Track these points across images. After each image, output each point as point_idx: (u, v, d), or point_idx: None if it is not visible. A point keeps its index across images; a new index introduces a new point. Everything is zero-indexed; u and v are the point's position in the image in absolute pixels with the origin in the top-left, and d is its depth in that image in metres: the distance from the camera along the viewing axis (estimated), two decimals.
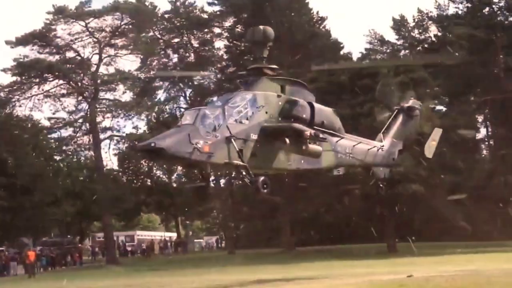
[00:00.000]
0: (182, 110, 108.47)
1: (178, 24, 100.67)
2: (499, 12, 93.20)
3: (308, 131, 30.86)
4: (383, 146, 36.85)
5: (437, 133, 39.95)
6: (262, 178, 29.65)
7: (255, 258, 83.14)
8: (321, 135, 31.82)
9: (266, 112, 30.58)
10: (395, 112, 38.13)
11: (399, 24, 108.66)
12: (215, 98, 31.32)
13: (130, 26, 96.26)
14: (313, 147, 31.21)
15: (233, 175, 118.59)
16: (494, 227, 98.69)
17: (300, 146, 31.00)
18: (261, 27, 31.86)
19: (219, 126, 28.33)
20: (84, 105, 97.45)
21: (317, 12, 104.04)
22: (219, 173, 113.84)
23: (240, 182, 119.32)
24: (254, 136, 29.57)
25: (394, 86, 34.96)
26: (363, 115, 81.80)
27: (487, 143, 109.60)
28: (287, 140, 30.38)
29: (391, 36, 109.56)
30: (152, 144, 27.52)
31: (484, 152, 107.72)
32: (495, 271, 40.03)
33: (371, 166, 36.26)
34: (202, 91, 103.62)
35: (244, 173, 29.87)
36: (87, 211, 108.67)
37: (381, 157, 37.34)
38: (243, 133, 29.24)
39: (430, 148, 39.86)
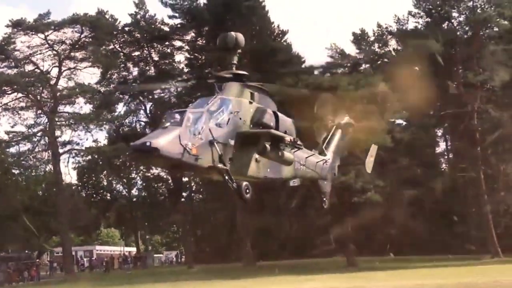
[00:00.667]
0: (142, 123, 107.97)
1: (138, 37, 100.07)
2: (458, 27, 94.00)
3: (288, 137, 30.90)
4: (328, 159, 36.86)
5: (374, 149, 39.97)
6: (244, 183, 29.47)
7: (215, 273, 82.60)
8: (298, 143, 31.90)
9: (240, 118, 30.45)
10: (333, 128, 38.11)
11: (360, 38, 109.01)
12: (198, 100, 30.32)
13: (90, 39, 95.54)
14: (288, 154, 31.16)
15: (193, 190, 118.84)
16: (452, 241, 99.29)
17: (276, 153, 30.94)
18: (232, 33, 31.67)
19: (203, 129, 28.10)
20: (43, 119, 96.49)
21: (278, 26, 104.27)
22: (196, 179, 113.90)
23: (200, 196, 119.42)
24: (231, 142, 29.37)
25: (332, 102, 34.72)
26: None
27: (446, 157, 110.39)
28: (267, 146, 30.30)
29: (352, 50, 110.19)
30: (148, 143, 27.07)
31: (444, 165, 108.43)
32: (454, 285, 40.05)
33: (319, 179, 36.16)
34: (163, 104, 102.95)
35: (226, 177, 29.60)
36: (46, 225, 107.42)
37: (327, 171, 37.40)
38: (223, 138, 29.05)
39: (368, 163, 39.89)
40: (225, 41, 31.38)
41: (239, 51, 31.14)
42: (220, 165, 28.76)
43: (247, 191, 29.46)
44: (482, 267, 69.94)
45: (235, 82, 31.07)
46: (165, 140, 26.92)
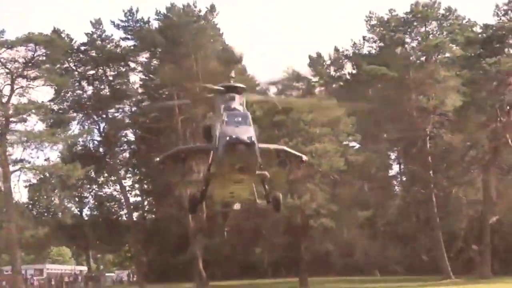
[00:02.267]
0: (96, 142, 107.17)
1: (94, 56, 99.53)
2: (411, 52, 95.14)
3: (305, 157, 30.72)
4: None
5: None
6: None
7: None
8: None
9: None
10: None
11: (315, 62, 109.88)
12: (229, 105, 29.53)
13: (44, 58, 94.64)
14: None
15: (146, 209, 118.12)
16: (406, 262, 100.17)
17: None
18: (230, 46, 31.98)
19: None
20: None
21: (233, 47, 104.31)
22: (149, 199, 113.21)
23: (153, 216, 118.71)
24: None
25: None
26: None
27: (399, 179, 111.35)
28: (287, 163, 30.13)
29: (307, 72, 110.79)
30: (249, 137, 26.79)
31: (396, 188, 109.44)
32: None
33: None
34: (116, 124, 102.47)
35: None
36: None
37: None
38: None
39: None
40: (223, 54, 31.57)
41: (238, 63, 31.17)
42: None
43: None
44: None
45: (238, 95, 31.04)
46: (255, 138, 26.80)
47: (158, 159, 29.82)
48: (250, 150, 26.71)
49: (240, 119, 28.16)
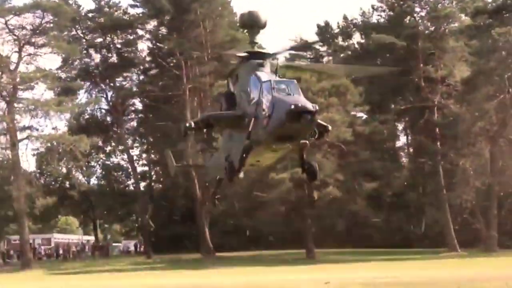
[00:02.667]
0: (103, 111, 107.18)
1: (101, 23, 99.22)
2: (420, 21, 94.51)
3: (329, 126, 30.52)
4: None
5: None
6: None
7: (173, 263, 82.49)
8: None
9: None
10: None
11: (324, 31, 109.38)
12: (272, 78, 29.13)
13: (52, 25, 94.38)
14: None
15: (153, 179, 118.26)
16: (412, 234, 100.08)
17: None
18: (254, 11, 31.26)
19: None
20: (2, 104, 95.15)
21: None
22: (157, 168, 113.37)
23: (160, 185, 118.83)
24: None
25: None
26: None
27: (406, 151, 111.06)
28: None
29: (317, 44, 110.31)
30: (312, 107, 26.42)
31: (404, 159, 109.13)
32: (411, 277, 40.22)
33: None
34: (124, 92, 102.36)
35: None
36: (3, 213, 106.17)
37: None
38: None
39: None
40: (247, 19, 31.03)
41: (262, 29, 30.82)
42: None
43: None
44: (440, 261, 70.61)
45: (266, 61, 30.76)
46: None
47: (187, 124, 29.43)
48: (313, 119, 26.32)
49: (292, 87, 27.74)
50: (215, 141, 32.47)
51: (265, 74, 30.02)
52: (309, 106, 25.54)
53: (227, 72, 32.94)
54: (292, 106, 25.45)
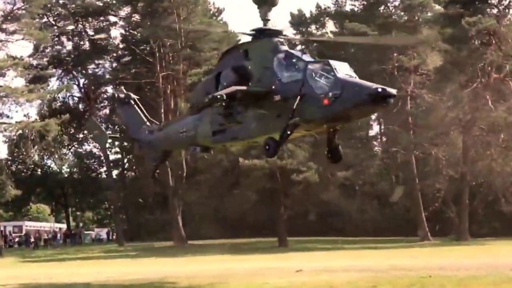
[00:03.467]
0: (75, 99, 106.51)
1: (73, 11, 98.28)
2: (394, 10, 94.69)
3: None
4: None
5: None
6: None
7: (146, 251, 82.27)
8: None
9: None
10: None
11: (297, 19, 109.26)
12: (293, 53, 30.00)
13: (23, 11, 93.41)
14: None
15: (125, 167, 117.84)
16: (385, 223, 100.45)
17: None
18: None
19: None
20: None
21: (213, 3, 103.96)
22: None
23: (132, 173, 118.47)
24: None
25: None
26: None
27: (379, 140, 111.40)
28: None
29: (289, 32, 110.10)
30: (394, 91, 27.00)
31: (377, 148, 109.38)
32: (382, 266, 40.31)
33: None
34: (97, 80, 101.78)
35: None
36: None
37: None
38: None
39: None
40: None
41: (274, 6, 30.74)
42: None
43: None
44: (411, 249, 70.87)
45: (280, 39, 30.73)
46: None
47: (218, 96, 29.19)
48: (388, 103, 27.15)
49: (350, 69, 28.37)
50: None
51: (299, 53, 30.20)
52: (393, 90, 26.47)
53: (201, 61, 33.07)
54: (380, 90, 26.23)
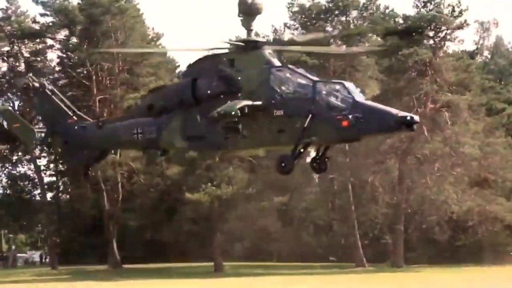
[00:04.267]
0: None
1: (9, 32, 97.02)
2: (332, 40, 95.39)
3: None
4: None
5: None
6: None
7: (79, 274, 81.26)
8: None
9: None
10: None
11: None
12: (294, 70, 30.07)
13: None
14: None
15: (60, 189, 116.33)
16: (321, 249, 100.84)
17: None
18: None
19: None
20: None
21: (153, 28, 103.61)
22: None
23: (67, 196, 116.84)
24: None
25: None
26: None
27: None
28: None
29: None
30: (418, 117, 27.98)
31: (314, 175, 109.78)
32: None
33: None
34: (31, 101, 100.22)
35: None
36: None
37: None
38: None
39: None
40: (244, 6, 30.58)
41: (257, 16, 30.61)
42: None
43: None
44: (346, 276, 71.35)
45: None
46: None
47: (232, 112, 28.54)
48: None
49: (360, 91, 29.41)
50: None
51: (301, 69, 30.29)
52: (417, 116, 27.97)
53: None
54: (408, 117, 27.18)
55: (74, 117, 35.88)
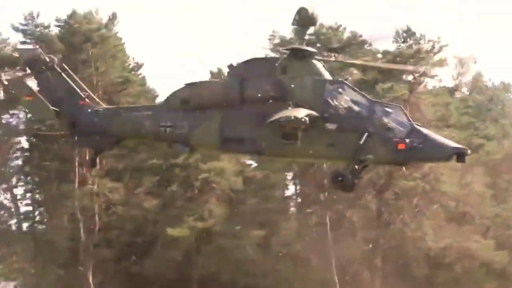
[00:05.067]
0: None
1: None
2: None
3: None
4: None
5: None
6: None
7: None
8: None
9: None
10: None
11: (216, 78, 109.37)
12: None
13: None
14: None
15: (37, 219, 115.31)
16: (299, 284, 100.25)
17: None
18: (308, 8, 30.54)
19: None
20: None
21: (133, 58, 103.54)
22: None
23: (44, 226, 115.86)
24: None
25: None
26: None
27: (295, 199, 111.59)
28: None
29: None
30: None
31: (292, 209, 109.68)
32: None
33: None
34: (10, 130, 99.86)
35: None
36: None
37: None
38: None
39: None
40: (301, 15, 30.46)
41: (312, 27, 30.74)
42: None
43: None
44: None
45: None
46: None
47: (302, 119, 28.88)
48: None
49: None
50: None
51: (356, 88, 30.99)
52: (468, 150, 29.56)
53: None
54: (464, 150, 28.99)
55: (86, 99, 34.78)
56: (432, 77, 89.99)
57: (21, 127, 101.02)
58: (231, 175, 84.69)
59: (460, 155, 28.84)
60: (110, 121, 33.39)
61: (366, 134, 28.63)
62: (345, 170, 29.32)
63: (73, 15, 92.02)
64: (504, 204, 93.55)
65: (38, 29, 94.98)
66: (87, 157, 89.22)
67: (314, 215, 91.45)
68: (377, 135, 28.73)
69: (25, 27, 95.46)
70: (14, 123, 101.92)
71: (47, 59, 34.90)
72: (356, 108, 29.47)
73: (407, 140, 28.47)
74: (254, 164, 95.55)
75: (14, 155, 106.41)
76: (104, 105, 35.83)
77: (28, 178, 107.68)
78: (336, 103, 29.50)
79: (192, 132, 31.48)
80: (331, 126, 29.04)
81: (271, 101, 29.95)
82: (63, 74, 34.74)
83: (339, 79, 31.44)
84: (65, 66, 35.49)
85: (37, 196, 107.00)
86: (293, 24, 31.10)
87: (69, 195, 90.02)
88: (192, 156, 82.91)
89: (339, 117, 29.25)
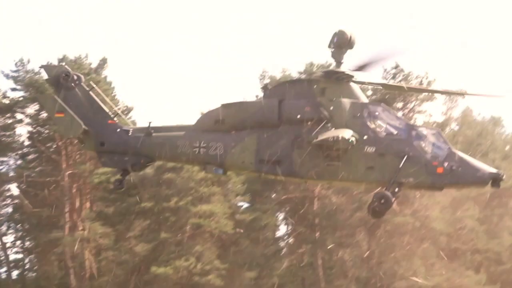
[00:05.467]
0: None
1: None
2: None
3: None
4: None
5: None
6: None
7: None
8: None
9: None
10: None
11: None
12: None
13: None
14: None
15: (27, 267, 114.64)
16: None
17: None
18: (346, 31, 30.60)
19: None
20: None
21: (122, 102, 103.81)
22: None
23: (34, 274, 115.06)
24: None
25: None
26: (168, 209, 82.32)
27: (286, 240, 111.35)
28: None
29: None
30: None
31: (284, 249, 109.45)
32: None
33: None
34: (0, 177, 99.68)
35: None
36: None
37: None
38: None
39: None
40: (339, 38, 30.49)
41: (350, 50, 30.57)
42: None
43: None
44: None
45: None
46: None
47: (349, 140, 29.46)
48: None
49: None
50: None
51: (393, 110, 31.56)
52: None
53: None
54: (500, 174, 29.42)
55: (115, 118, 34.29)
56: (422, 113, 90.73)
57: (11, 174, 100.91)
58: (221, 218, 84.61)
59: (495, 180, 29.21)
60: (141, 141, 32.81)
61: (405, 157, 28.90)
62: (386, 192, 29.33)
63: (63, 60, 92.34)
64: (496, 239, 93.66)
65: (28, 75, 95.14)
66: (77, 203, 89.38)
67: (306, 255, 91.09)
68: (416, 158, 28.99)
69: (15, 74, 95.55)
70: (4, 170, 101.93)
71: (75, 77, 34.26)
72: (394, 131, 29.78)
73: (445, 164, 28.84)
74: (245, 205, 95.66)
75: (4, 202, 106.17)
76: (132, 126, 35.39)
77: (18, 225, 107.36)
78: (375, 126, 29.78)
79: (227, 153, 31.27)
80: (369, 149, 29.26)
81: (309, 122, 30.04)
82: (91, 92, 34.27)
83: (377, 102, 31.47)
84: (93, 84, 34.96)
85: (27, 243, 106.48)
86: (329, 46, 31.05)
87: (59, 242, 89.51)
88: (183, 199, 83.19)
89: (378, 140, 29.47)
